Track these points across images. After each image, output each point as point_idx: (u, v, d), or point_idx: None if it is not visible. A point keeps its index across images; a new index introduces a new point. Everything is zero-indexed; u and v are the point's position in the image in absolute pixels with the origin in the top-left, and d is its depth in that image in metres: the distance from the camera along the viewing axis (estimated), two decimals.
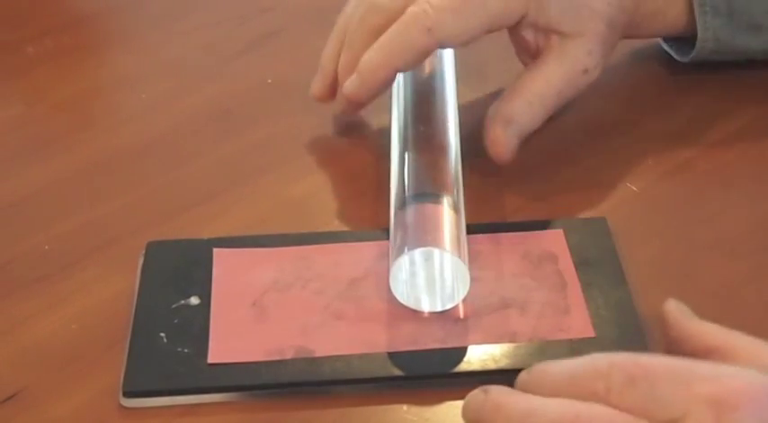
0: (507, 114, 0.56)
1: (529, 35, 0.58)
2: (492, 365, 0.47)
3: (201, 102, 0.65)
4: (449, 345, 0.47)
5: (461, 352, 0.47)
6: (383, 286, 0.49)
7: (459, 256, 0.48)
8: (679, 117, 0.62)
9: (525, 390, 0.43)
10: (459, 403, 0.45)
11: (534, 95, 0.57)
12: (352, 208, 0.57)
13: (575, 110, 0.63)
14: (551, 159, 0.59)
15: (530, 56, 0.59)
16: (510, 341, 0.47)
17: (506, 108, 0.57)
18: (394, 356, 0.47)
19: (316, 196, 0.57)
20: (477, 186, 0.57)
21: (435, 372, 0.47)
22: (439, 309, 0.49)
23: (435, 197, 0.51)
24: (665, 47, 0.66)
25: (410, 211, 0.50)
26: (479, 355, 0.47)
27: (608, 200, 0.56)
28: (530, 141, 0.60)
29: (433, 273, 0.49)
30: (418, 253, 0.48)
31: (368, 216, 0.56)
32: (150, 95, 0.66)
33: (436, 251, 0.48)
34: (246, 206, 0.57)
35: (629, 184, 0.57)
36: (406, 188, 0.51)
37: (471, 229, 0.52)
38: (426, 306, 0.49)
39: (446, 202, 0.50)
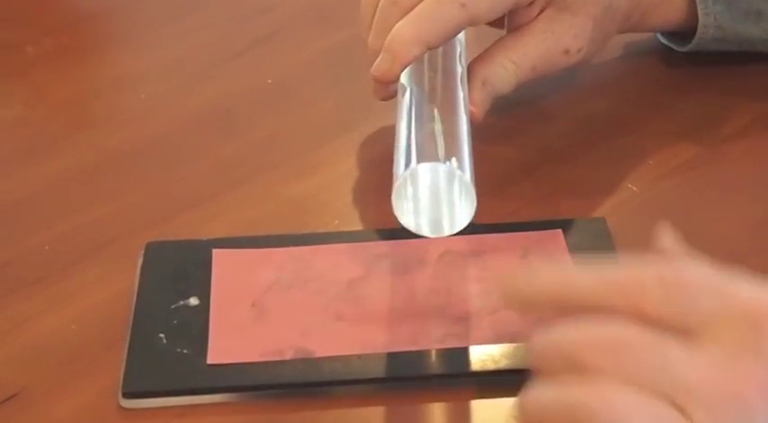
0: (483, 75, 0.57)
1: (533, 11, 0.58)
2: (492, 366, 0.46)
3: (201, 102, 0.65)
4: (449, 345, 0.47)
5: (461, 352, 0.47)
6: (383, 286, 0.49)
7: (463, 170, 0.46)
8: (679, 116, 0.62)
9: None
10: (459, 404, 0.45)
11: (510, 62, 0.57)
12: (352, 208, 0.56)
13: (575, 109, 0.63)
14: (551, 159, 0.59)
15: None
16: (510, 341, 0.47)
17: (483, 70, 0.57)
18: (394, 357, 0.47)
19: (316, 196, 0.57)
20: (476, 187, 0.57)
21: (435, 372, 0.47)
22: (453, 231, 0.48)
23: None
24: (663, 40, 0.66)
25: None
26: (479, 356, 0.47)
27: (608, 200, 0.56)
28: (530, 141, 0.60)
29: (437, 191, 0.48)
30: (421, 169, 0.47)
31: (368, 216, 0.56)
32: (150, 95, 0.66)
33: (431, 165, 0.47)
34: (246, 206, 0.57)
35: (629, 185, 0.57)
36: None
37: (471, 230, 0.52)
38: (437, 230, 0.48)
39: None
